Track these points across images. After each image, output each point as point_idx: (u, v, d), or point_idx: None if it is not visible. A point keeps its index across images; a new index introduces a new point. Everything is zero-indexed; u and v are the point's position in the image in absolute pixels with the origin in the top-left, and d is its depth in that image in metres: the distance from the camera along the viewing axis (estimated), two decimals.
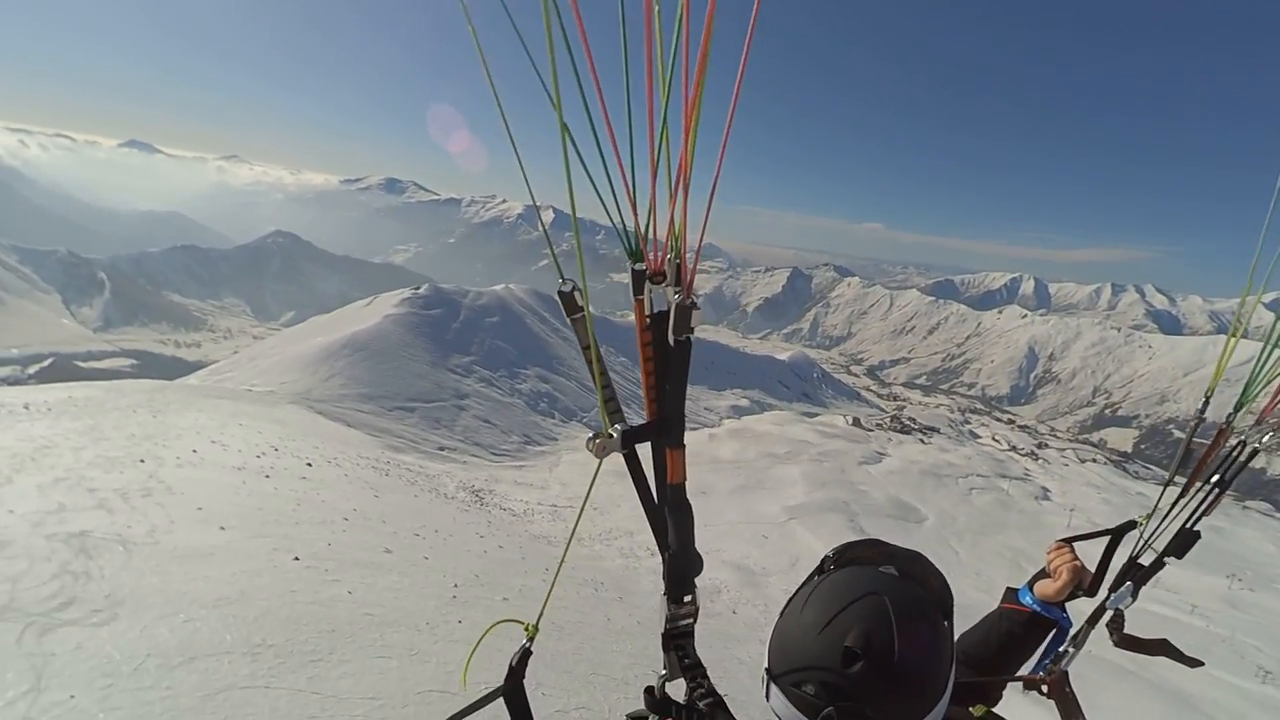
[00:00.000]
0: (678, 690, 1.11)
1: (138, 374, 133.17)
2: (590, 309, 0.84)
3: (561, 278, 0.82)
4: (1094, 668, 19.95)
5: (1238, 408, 1.46)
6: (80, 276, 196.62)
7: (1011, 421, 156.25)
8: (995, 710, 1.39)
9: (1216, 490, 1.48)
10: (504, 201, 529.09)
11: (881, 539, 1.14)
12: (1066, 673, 1.56)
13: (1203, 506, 1.49)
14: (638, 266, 0.79)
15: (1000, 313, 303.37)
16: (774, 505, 34.40)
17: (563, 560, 1.40)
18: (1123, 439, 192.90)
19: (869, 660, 0.92)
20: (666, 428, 0.87)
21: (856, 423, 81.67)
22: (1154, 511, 1.55)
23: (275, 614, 5.71)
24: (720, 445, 47.12)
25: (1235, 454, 1.48)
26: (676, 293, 0.79)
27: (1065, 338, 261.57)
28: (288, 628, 5.53)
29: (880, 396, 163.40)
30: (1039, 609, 1.60)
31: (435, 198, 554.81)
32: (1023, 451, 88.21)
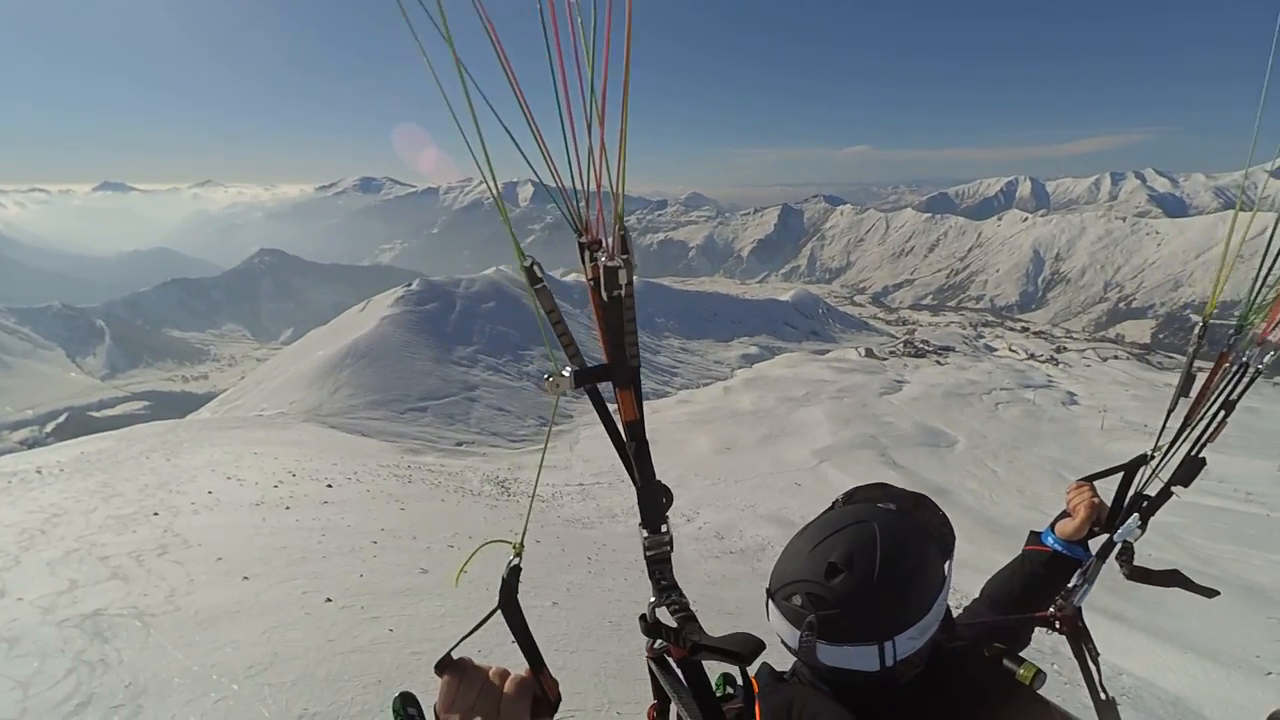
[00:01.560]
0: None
1: (152, 415, 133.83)
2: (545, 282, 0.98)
3: (522, 256, 0.93)
4: (1150, 564, 19.64)
5: (1237, 329, 1.44)
6: (79, 327, 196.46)
7: (1026, 329, 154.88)
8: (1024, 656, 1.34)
9: (1222, 415, 1.46)
10: (480, 184, 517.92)
11: (890, 484, 1.23)
12: (1079, 608, 1.58)
13: (1208, 433, 1.48)
14: (581, 239, 0.93)
15: (1000, 219, 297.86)
16: (802, 451, 34.05)
17: (531, 506, 1.03)
18: (1140, 331, 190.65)
19: (849, 574, 1.04)
20: (611, 371, 0.98)
21: (869, 353, 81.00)
22: (1159, 442, 1.53)
23: (314, 674, 5.24)
24: (737, 397, 46.71)
25: (1237, 376, 1.46)
26: (608, 257, 0.92)
27: (1070, 236, 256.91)
28: (330, 688, 5.06)
29: (889, 323, 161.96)
30: (1060, 548, 1.64)
31: (412, 190, 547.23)
32: (1042, 358, 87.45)
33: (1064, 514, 1.70)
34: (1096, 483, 1.75)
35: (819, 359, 70.65)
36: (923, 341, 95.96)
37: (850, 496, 1.24)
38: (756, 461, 31.83)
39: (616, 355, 0.99)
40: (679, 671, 1.06)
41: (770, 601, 1.13)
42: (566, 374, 0.97)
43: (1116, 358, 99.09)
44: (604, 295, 0.94)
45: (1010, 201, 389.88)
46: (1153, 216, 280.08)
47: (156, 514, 10.40)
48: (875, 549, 1.06)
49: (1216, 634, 14.17)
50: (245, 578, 7.41)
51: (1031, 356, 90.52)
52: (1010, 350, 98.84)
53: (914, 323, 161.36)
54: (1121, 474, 1.64)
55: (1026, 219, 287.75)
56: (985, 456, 35.32)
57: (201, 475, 15.42)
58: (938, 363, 73.50)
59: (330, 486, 14.73)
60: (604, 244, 0.93)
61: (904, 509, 1.17)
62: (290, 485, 14.26)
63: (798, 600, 1.08)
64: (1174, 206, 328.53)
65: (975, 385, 55.98)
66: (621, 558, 13.60)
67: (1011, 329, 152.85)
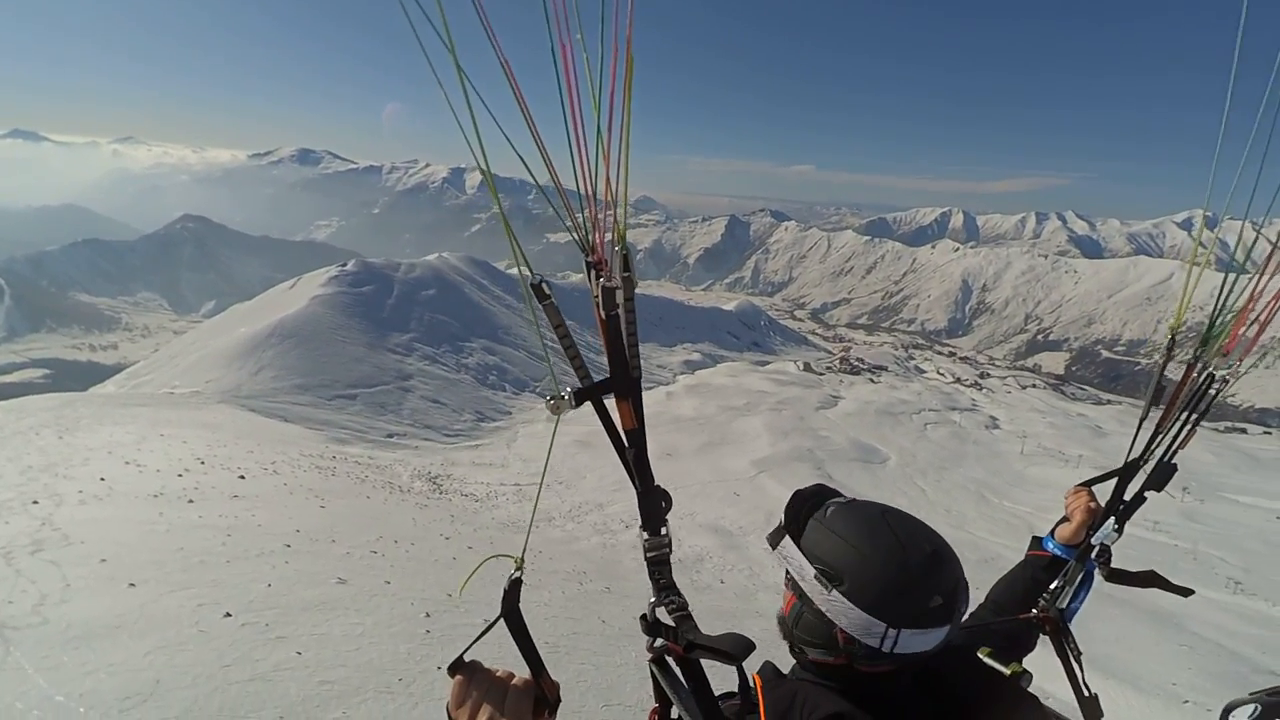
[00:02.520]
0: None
1: (52, 385, 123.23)
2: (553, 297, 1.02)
3: (530, 271, 0.99)
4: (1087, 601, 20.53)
5: (1204, 343, 1.50)
6: None
7: (953, 354, 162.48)
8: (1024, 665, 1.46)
9: (1191, 424, 1.53)
10: (426, 166, 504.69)
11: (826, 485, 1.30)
12: (1062, 610, 1.63)
13: (1178, 440, 1.55)
14: (589, 259, 1.00)
15: (933, 248, 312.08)
16: (741, 460, 34.26)
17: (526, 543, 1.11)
18: (1055, 362, 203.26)
19: (949, 554, 1.13)
20: (611, 384, 1.04)
21: (808, 368, 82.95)
22: (1135, 447, 1.60)
23: (203, 708, 4.53)
24: (679, 403, 46.75)
25: (1204, 387, 1.52)
26: (605, 279, 1.00)
27: (996, 268, 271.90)
28: None
29: (826, 339, 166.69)
30: (1060, 552, 1.70)
31: (354, 166, 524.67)
32: (967, 383, 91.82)
33: (1064, 519, 1.75)
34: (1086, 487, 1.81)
35: (760, 370, 71.75)
36: (858, 359, 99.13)
37: (807, 505, 1.24)
38: (696, 469, 31.80)
39: (616, 368, 1.04)
40: (678, 672, 1.10)
41: (901, 632, 1.08)
42: (565, 395, 1.02)
43: (1035, 386, 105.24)
44: (602, 314, 1.01)
45: (943, 231, 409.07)
46: (1071, 256, 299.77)
47: (36, 502, 9.20)
48: (921, 525, 1.16)
49: (1134, 660, 14.85)
50: (131, 584, 6.52)
51: (958, 380, 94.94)
52: (939, 373, 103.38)
53: (850, 340, 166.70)
54: (1115, 480, 1.69)
55: (958, 249, 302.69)
56: (915, 475, 36.53)
57: (97, 458, 13.94)
58: (871, 381, 75.94)
59: (243, 478, 13.55)
60: (608, 264, 1.00)
61: (849, 500, 1.25)
62: (197, 474, 13.02)
63: (938, 600, 1.09)
64: (1090, 248, 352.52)
65: (906, 405, 58.03)
66: (559, 567, 13.07)
67: (939, 353, 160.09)
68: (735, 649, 0.93)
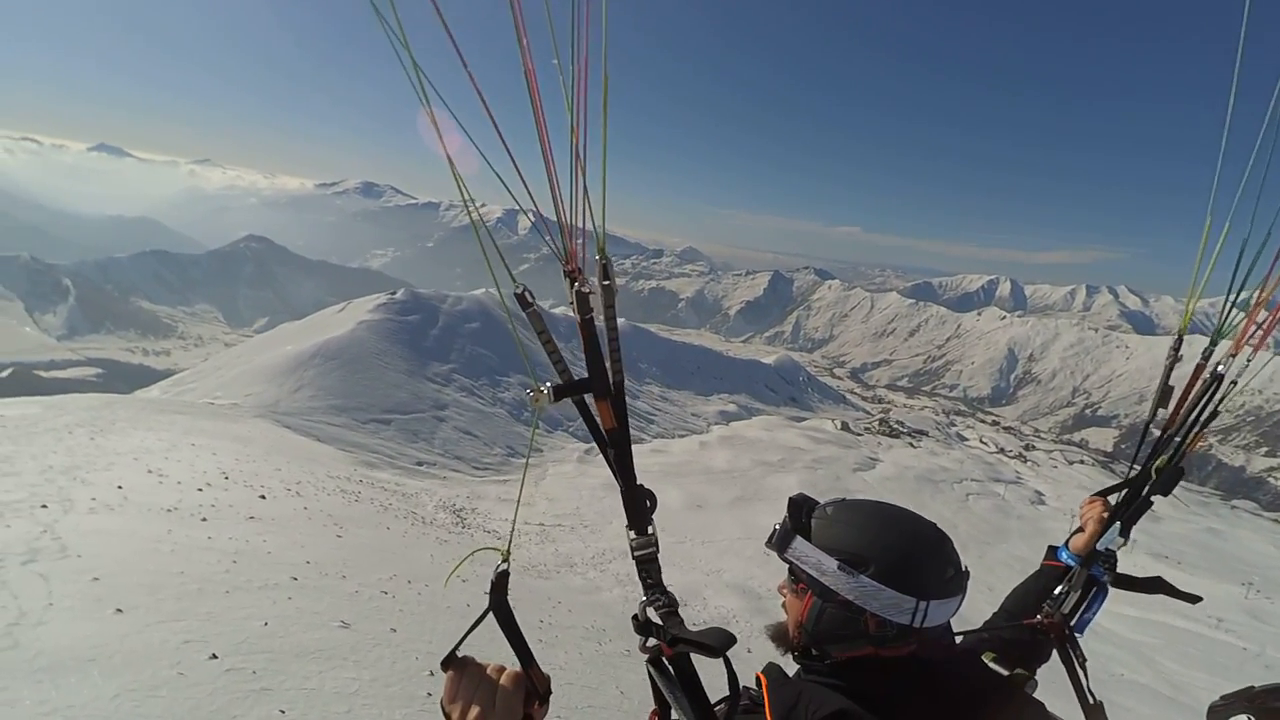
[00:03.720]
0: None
1: (103, 383, 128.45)
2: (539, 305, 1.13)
3: (514, 281, 1.08)
4: (1126, 693, 18.52)
5: (1213, 341, 1.49)
6: (44, 283, 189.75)
7: (996, 423, 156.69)
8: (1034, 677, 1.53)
9: (1200, 427, 1.52)
10: (484, 205, 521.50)
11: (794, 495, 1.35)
12: (1066, 615, 1.63)
13: (1185, 444, 1.53)
14: (566, 268, 1.06)
15: (979, 314, 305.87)
16: (773, 518, 31.66)
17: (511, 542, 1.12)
18: (1103, 438, 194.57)
19: (937, 528, 1.24)
20: (589, 384, 1.09)
21: (845, 427, 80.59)
22: (1139, 455, 1.61)
23: None
24: (712, 454, 45.48)
25: (1212, 389, 1.50)
26: (580, 285, 1.06)
27: (1044, 339, 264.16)
28: None
29: (865, 399, 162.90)
30: (1072, 562, 1.70)
31: (413, 202, 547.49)
32: (1011, 454, 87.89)
33: (1079, 529, 1.75)
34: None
35: (796, 425, 69.93)
36: (897, 422, 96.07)
37: (804, 506, 1.30)
38: (726, 523, 30.46)
39: (594, 370, 1.09)
40: (672, 677, 1.13)
41: (930, 603, 1.15)
42: (545, 389, 1.06)
43: (1082, 462, 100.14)
44: (578, 317, 1.06)
45: (990, 299, 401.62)
46: (1123, 331, 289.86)
47: (45, 506, 8.85)
48: (913, 512, 1.26)
49: None
50: (119, 610, 5.97)
51: (1001, 451, 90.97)
52: (981, 442, 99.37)
53: (889, 402, 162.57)
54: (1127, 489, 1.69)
55: (1004, 317, 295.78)
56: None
57: (121, 464, 13.73)
58: (911, 445, 73.26)
59: (263, 498, 13.12)
60: (582, 272, 1.06)
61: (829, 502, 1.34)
62: (218, 490, 12.65)
63: (950, 571, 1.18)
64: (1143, 324, 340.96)
65: (947, 473, 55.49)
66: (578, 622, 12.14)
67: (982, 421, 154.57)
68: (716, 641, 0.96)
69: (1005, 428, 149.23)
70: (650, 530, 1.17)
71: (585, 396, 1.12)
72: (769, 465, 44.43)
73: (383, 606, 8.23)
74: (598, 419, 1.13)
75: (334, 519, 13.19)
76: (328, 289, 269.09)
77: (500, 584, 1.05)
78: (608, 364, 1.09)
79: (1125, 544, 1.60)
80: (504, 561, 1.06)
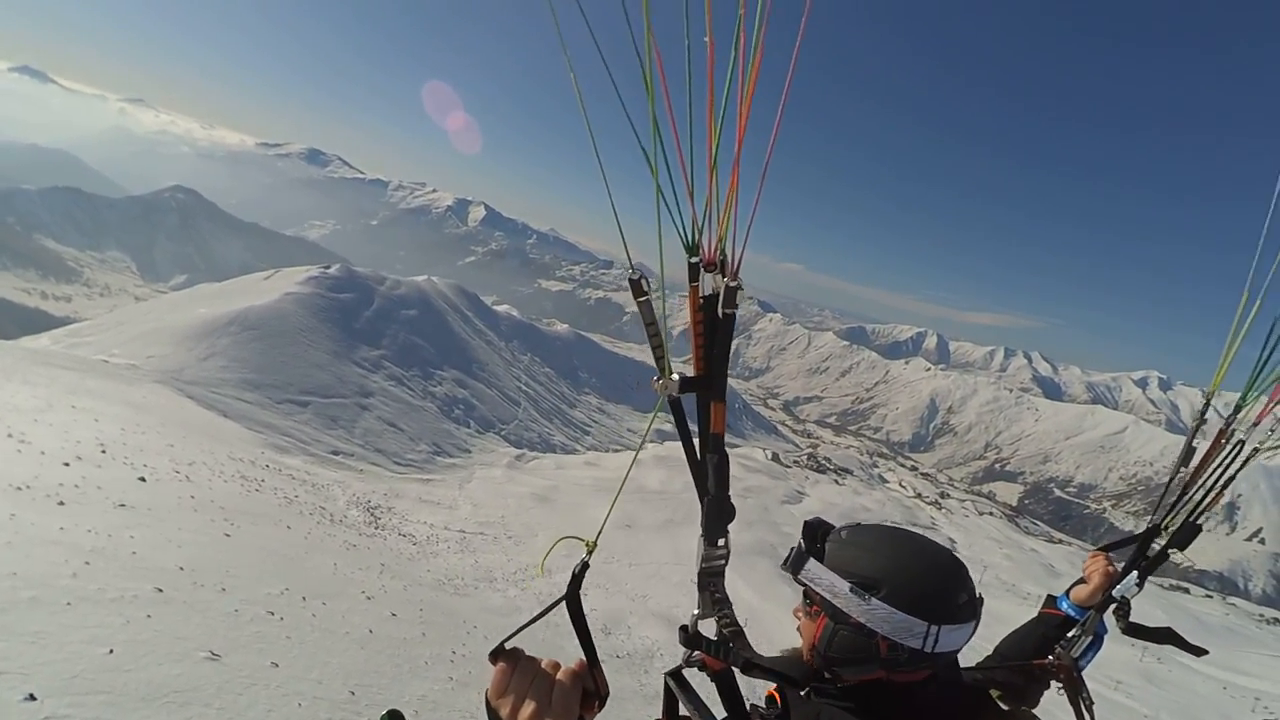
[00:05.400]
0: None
1: None
2: (653, 293, 1.07)
3: (631, 266, 1.02)
4: None
5: (1236, 409, 1.54)
6: None
7: (914, 468, 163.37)
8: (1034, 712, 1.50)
9: (1219, 488, 1.57)
10: (434, 191, 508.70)
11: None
12: (1076, 658, 1.67)
13: (1205, 502, 1.58)
14: (694, 259, 1.01)
15: (907, 363, 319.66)
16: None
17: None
18: (1010, 492, 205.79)
19: (952, 554, 1.23)
20: (712, 383, 1.06)
21: (775, 458, 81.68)
22: (1161, 508, 1.64)
23: None
24: (646, 473, 44.73)
25: (1234, 453, 1.55)
26: (724, 278, 1.02)
27: (963, 393, 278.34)
28: None
29: (795, 432, 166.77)
30: (1073, 613, 1.73)
31: (360, 176, 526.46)
32: (928, 499, 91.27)
33: (1080, 580, 1.78)
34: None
35: (728, 451, 70.27)
36: (825, 458, 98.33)
37: (818, 531, 1.29)
38: (655, 546, 29.64)
39: (718, 370, 1.05)
40: (693, 690, 1.13)
41: (940, 628, 1.13)
42: (676, 378, 1.04)
43: (992, 514, 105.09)
44: (720, 312, 1.02)
45: (918, 350, 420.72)
46: (1033, 394, 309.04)
47: None
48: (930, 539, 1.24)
49: None
50: None
51: (919, 495, 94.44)
52: (900, 485, 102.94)
53: (817, 438, 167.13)
54: (1136, 544, 1.71)
55: (929, 369, 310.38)
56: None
57: None
58: (836, 482, 74.82)
59: (143, 480, 11.37)
60: (722, 265, 1.01)
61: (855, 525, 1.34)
62: (88, 466, 10.85)
63: (963, 597, 1.16)
64: (1051, 390, 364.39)
65: (869, 513, 56.71)
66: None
67: (902, 465, 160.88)
68: (799, 674, 0.94)
69: (923, 473, 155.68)
70: (722, 543, 1.12)
71: (680, 400, 1.06)
72: None
73: (265, 632, 6.92)
74: (687, 421, 1.07)
75: (225, 512, 11.55)
76: (256, 254, 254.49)
77: (581, 576, 1.02)
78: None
79: (1139, 591, 1.62)
80: (588, 554, 1.02)
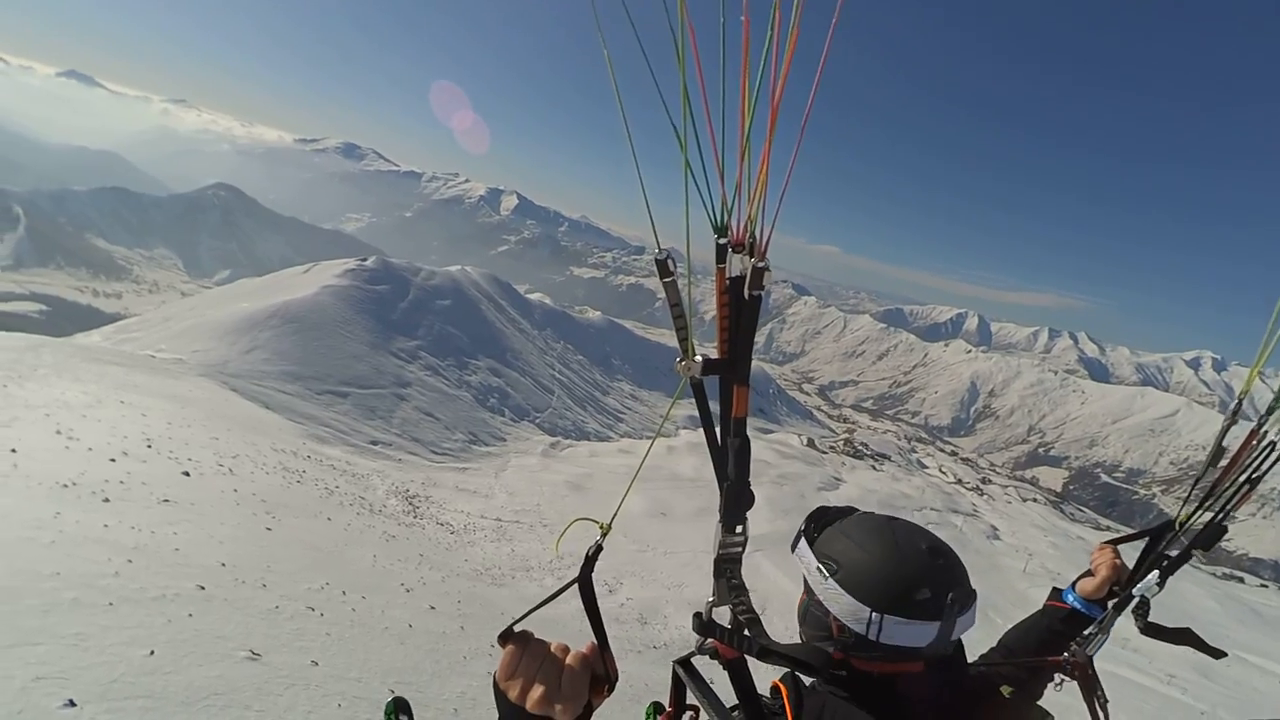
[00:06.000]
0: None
1: (45, 321, 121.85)
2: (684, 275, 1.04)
3: (658, 246, 1.00)
4: None
5: (1269, 411, 1.52)
6: None
7: (954, 453, 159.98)
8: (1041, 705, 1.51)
9: (1246, 489, 1.56)
10: (466, 181, 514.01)
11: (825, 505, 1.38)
12: (1090, 656, 1.65)
13: (1232, 502, 1.56)
14: (721, 240, 0.99)
15: (946, 346, 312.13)
16: None
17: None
18: (1054, 478, 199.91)
19: (940, 549, 1.20)
20: (736, 366, 1.04)
21: (811, 444, 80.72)
22: (1181, 510, 1.61)
23: None
24: (679, 460, 44.57)
25: (1265, 454, 1.54)
26: (752, 259, 1.00)
27: (1005, 376, 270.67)
28: None
29: (831, 417, 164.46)
30: (1079, 606, 1.70)
31: (395, 169, 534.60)
32: (968, 485, 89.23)
33: (1087, 573, 1.74)
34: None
35: (763, 437, 69.59)
36: (861, 443, 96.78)
37: (822, 518, 1.33)
38: (690, 534, 29.50)
39: (742, 353, 1.03)
40: (703, 679, 1.14)
41: (886, 616, 1.14)
42: (699, 359, 1.01)
43: (1035, 500, 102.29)
44: (746, 294, 1.00)
45: (957, 331, 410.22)
46: (1079, 376, 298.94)
47: None
48: (928, 532, 1.22)
49: None
50: None
51: (959, 481, 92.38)
52: (940, 471, 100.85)
53: (854, 423, 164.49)
54: (1147, 539, 1.69)
55: (970, 351, 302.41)
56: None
57: (28, 420, 12.04)
58: (874, 468, 73.62)
59: (187, 474, 11.56)
60: (750, 246, 0.99)
61: (867, 513, 1.34)
62: (134, 461, 11.06)
63: (925, 594, 1.14)
64: (1099, 371, 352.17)
65: (908, 499, 55.64)
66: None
67: (941, 450, 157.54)
68: (816, 660, 0.94)
69: (963, 458, 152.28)
70: (739, 530, 1.10)
71: (703, 384, 1.05)
72: None
73: (306, 629, 6.90)
74: (708, 405, 1.06)
75: (267, 505, 11.70)
76: (295, 248, 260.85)
77: (594, 558, 1.00)
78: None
79: (1160, 591, 1.58)
80: (602, 536, 1.00)
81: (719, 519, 1.11)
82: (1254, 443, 1.54)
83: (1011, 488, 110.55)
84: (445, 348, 57.19)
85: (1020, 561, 46.50)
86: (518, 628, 0.90)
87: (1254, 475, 1.53)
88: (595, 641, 0.92)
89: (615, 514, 1.03)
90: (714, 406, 1.08)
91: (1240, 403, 1.60)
